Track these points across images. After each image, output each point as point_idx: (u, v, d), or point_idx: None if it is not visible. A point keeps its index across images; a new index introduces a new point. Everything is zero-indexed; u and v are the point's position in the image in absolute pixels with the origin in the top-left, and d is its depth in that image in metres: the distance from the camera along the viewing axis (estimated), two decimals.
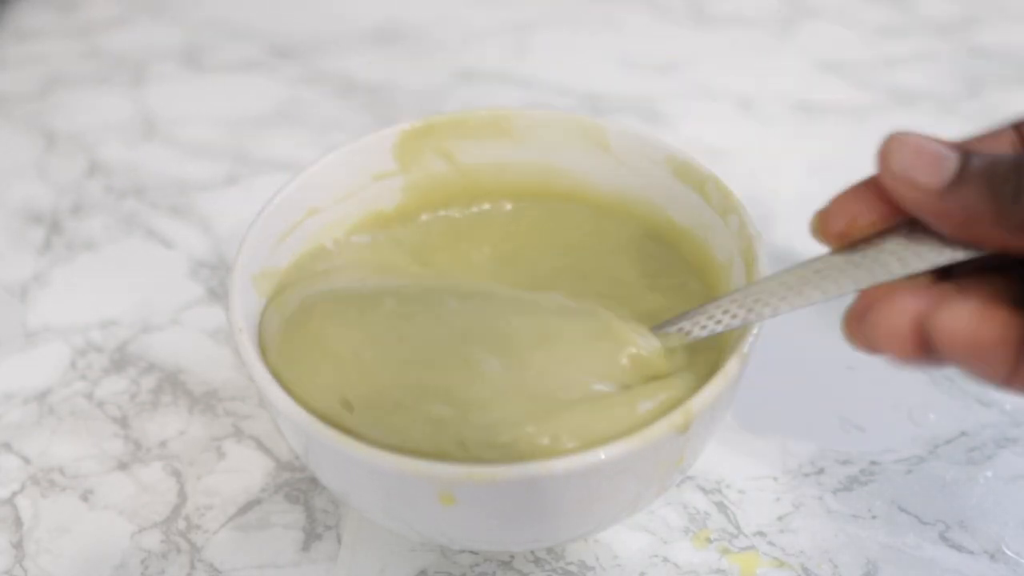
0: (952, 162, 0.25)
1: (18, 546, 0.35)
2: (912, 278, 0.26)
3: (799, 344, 0.40)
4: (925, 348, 0.25)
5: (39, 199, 0.50)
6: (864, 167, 0.27)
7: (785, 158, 0.50)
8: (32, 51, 0.61)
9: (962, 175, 0.24)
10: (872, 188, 0.27)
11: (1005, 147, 0.26)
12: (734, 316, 0.29)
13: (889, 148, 0.25)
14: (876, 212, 0.26)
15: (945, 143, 0.25)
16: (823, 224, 0.27)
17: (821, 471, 0.36)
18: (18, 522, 0.36)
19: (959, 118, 0.53)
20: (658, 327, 0.31)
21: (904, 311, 0.25)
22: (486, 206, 0.39)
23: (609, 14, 0.63)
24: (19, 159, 0.53)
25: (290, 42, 0.61)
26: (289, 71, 0.59)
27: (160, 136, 0.54)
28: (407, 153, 0.37)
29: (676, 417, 0.28)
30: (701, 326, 0.30)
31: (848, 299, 0.27)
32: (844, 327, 0.27)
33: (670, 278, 0.36)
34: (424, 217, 0.39)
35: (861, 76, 0.57)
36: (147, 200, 0.50)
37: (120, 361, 0.41)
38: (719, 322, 0.29)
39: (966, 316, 0.24)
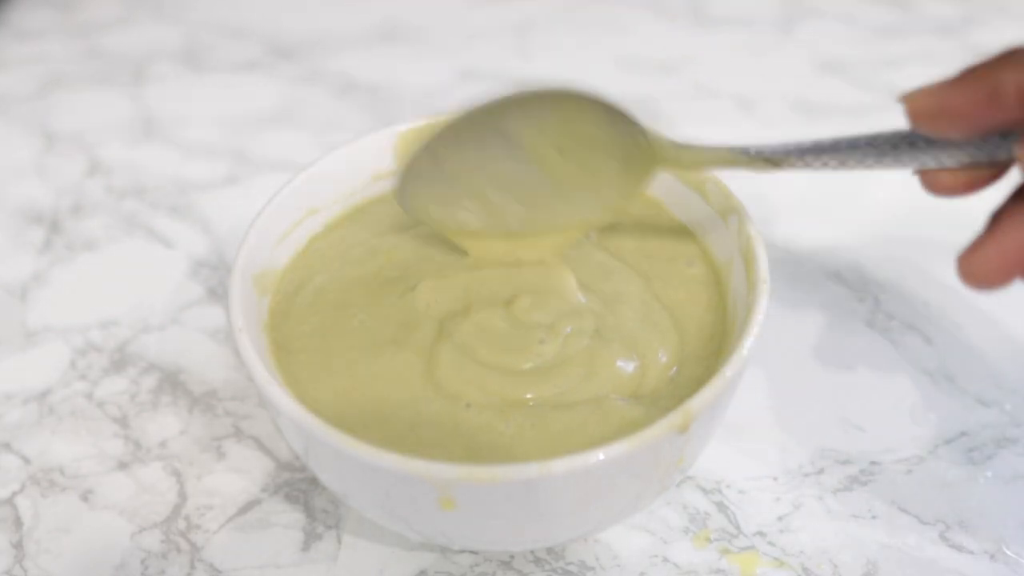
0: None
1: (18, 546, 0.35)
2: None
3: (799, 344, 0.40)
4: None
5: (39, 199, 0.50)
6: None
7: None
8: (32, 51, 0.61)
9: None
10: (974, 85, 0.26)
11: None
12: (826, 163, 0.32)
13: None
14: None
15: None
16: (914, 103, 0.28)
17: (821, 471, 0.36)
18: (18, 522, 0.36)
19: None
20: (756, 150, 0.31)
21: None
22: None
23: (609, 14, 0.63)
24: (19, 159, 0.53)
25: (290, 42, 0.61)
26: (289, 71, 0.59)
27: (160, 136, 0.54)
28: (407, 153, 0.37)
29: (676, 417, 0.28)
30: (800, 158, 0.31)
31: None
32: (959, 268, 0.27)
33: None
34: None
35: (861, 76, 0.57)
36: (147, 200, 0.50)
37: (120, 361, 0.41)
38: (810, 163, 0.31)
39: None
